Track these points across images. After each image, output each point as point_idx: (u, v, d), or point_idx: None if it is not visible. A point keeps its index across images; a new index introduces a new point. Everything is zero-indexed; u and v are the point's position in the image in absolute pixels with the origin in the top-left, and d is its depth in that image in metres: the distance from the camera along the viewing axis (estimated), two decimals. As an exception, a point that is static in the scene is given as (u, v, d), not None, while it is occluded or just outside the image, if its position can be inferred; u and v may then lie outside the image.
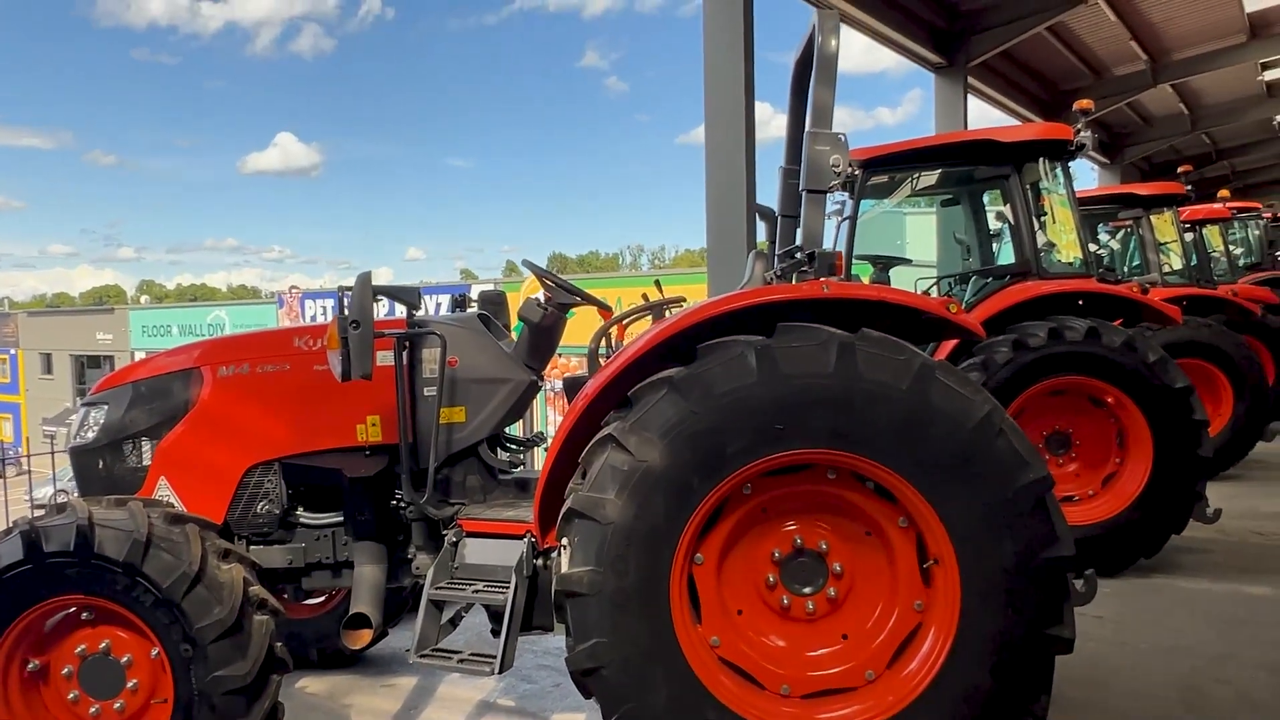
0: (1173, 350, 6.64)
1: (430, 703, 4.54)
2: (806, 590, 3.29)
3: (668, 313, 3.91)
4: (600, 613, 3.08)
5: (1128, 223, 10.75)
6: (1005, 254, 7.26)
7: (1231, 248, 14.08)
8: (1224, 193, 13.63)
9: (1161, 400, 5.97)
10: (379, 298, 3.59)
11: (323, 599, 5.02)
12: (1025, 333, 6.13)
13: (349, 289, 3.42)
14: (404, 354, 3.88)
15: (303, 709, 4.49)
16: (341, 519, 4.08)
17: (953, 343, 6.51)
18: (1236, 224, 14.79)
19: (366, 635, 3.80)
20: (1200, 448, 5.97)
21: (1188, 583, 6.06)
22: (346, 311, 3.41)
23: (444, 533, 3.86)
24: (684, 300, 3.94)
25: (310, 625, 4.97)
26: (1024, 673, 3.03)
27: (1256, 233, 15.14)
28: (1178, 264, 11.08)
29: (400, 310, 3.98)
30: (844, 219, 7.05)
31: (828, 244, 7.46)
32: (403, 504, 3.98)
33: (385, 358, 3.94)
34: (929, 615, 3.18)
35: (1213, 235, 12.89)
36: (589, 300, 4.12)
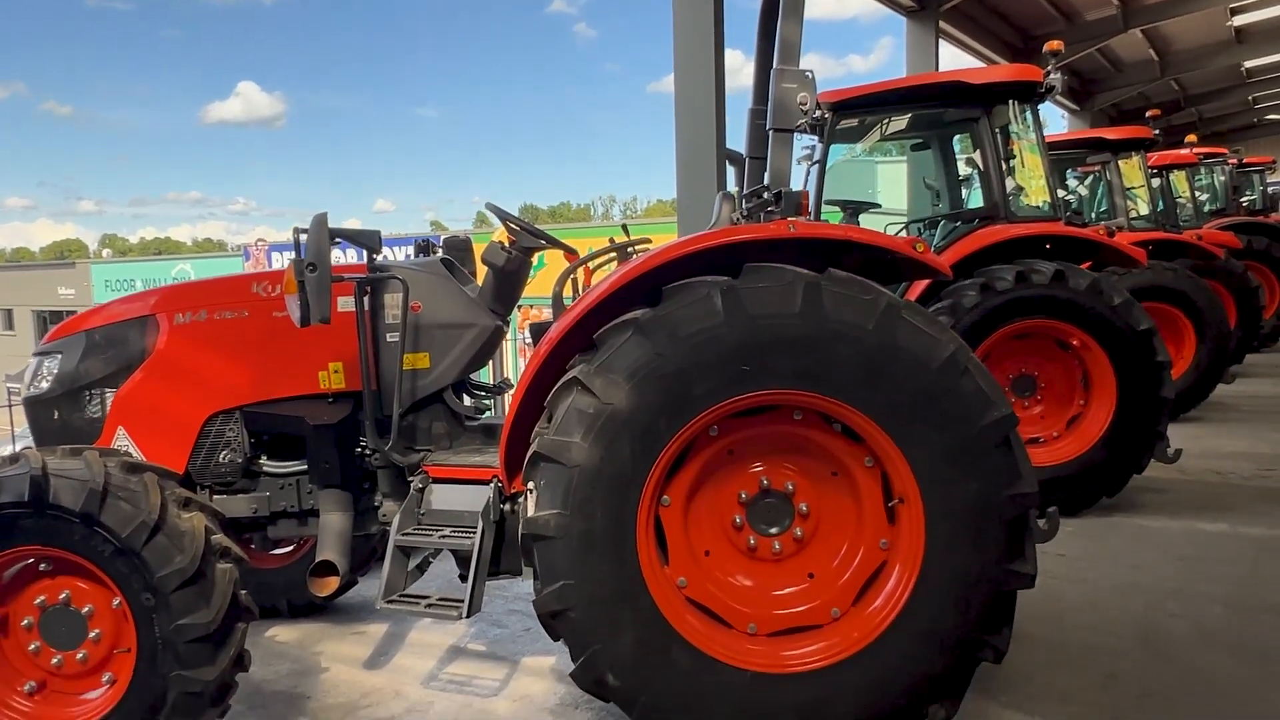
0: (1137, 294, 6.70)
1: (400, 649, 4.55)
2: (773, 530, 3.31)
3: (633, 255, 3.86)
4: (567, 555, 3.08)
5: (1096, 167, 10.78)
6: (974, 199, 7.25)
7: (1197, 193, 14.19)
8: (1191, 138, 13.70)
9: (1125, 342, 6.04)
10: (337, 241, 3.50)
11: (291, 548, 4.99)
12: (992, 276, 6.15)
13: (305, 231, 3.33)
14: (365, 299, 3.81)
15: (272, 657, 4.49)
16: (306, 467, 4.03)
17: (921, 286, 6.53)
18: (1203, 169, 14.90)
19: (333, 582, 3.78)
20: (1162, 389, 6.05)
21: (1147, 521, 6.18)
22: (302, 254, 3.32)
23: (410, 479, 3.82)
24: (649, 243, 3.89)
25: (279, 575, 4.94)
26: (986, 608, 3.07)
27: (1222, 178, 15.26)
28: (1144, 209, 11.16)
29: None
30: (813, 163, 6.98)
31: (797, 188, 7.43)
32: (367, 451, 3.94)
33: (346, 304, 3.87)
34: (894, 553, 3.21)
35: (1179, 181, 12.98)
36: (554, 244, 4.05)
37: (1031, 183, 6.81)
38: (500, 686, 4.06)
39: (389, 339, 3.88)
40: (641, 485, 3.08)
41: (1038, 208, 6.87)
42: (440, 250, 4.56)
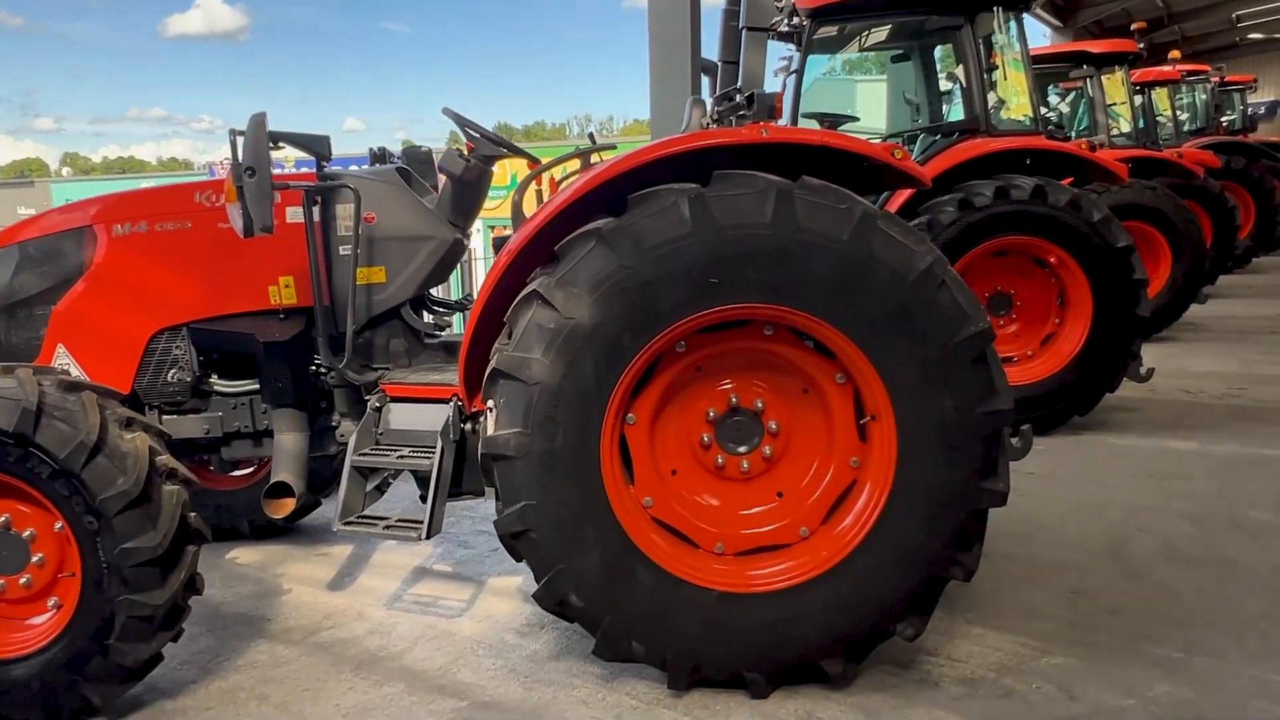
0: (1116, 212, 6.57)
1: (364, 570, 4.48)
2: (742, 449, 3.22)
3: (598, 163, 3.66)
4: (528, 475, 2.97)
5: (1078, 83, 10.55)
6: (955, 113, 7.04)
7: (1178, 112, 14.01)
8: (1174, 54, 13.45)
9: (1103, 259, 5.95)
10: (280, 145, 3.29)
11: (251, 469, 4.86)
12: (972, 192, 6.00)
13: (242, 133, 3.11)
14: (314, 209, 3.61)
15: (233, 579, 4.40)
16: (258, 386, 3.87)
17: (900, 202, 6.38)
18: (1184, 88, 14.69)
19: (289, 504, 3.67)
20: (1138, 307, 5.99)
21: (1117, 439, 6.19)
22: (240, 158, 3.10)
23: (367, 398, 3.69)
24: (615, 149, 3.69)
25: (239, 496, 4.83)
26: (957, 526, 3.01)
27: (1203, 97, 15.08)
28: (1126, 127, 10.99)
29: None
30: (790, 73, 6.73)
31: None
32: (322, 370, 3.79)
33: (297, 214, 3.67)
34: (864, 472, 3.14)
35: (1160, 98, 12.80)
36: (515, 151, 3.85)
37: (1014, 96, 6.62)
38: (465, 607, 4.01)
39: (341, 252, 3.70)
40: (605, 403, 2.97)
41: (1019, 122, 6.69)
42: (398, 160, 4.34)
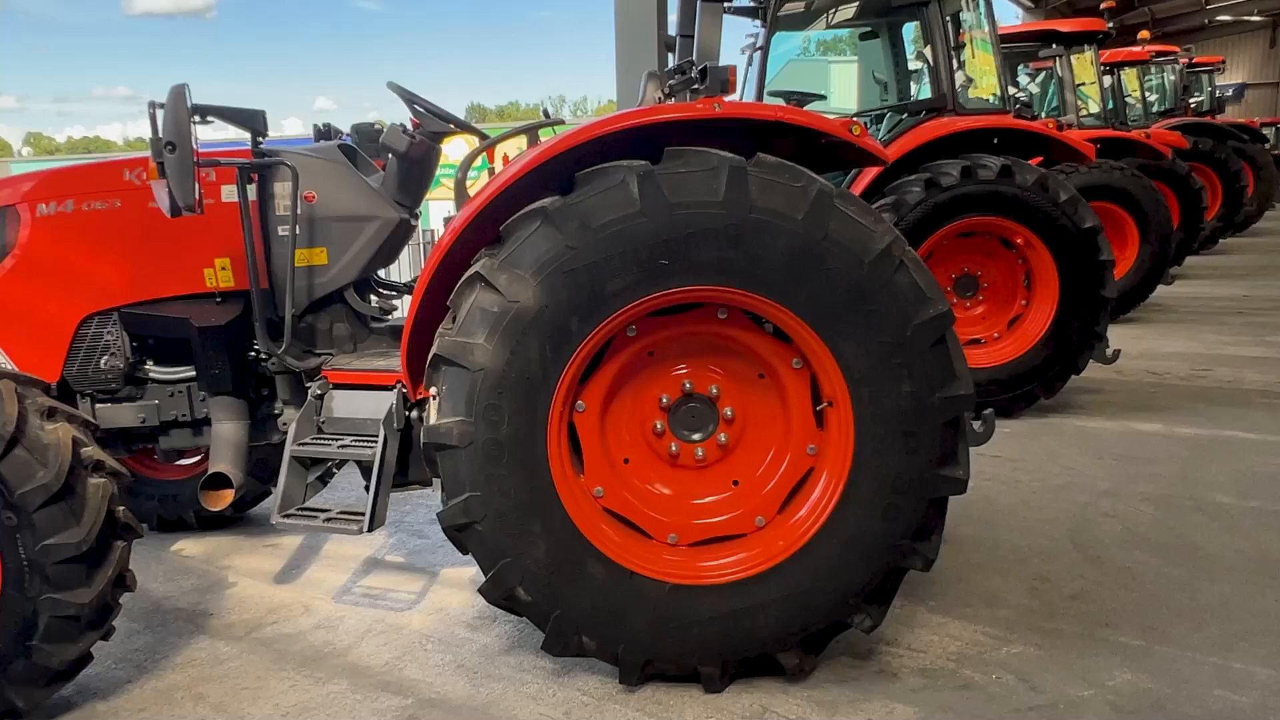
0: (1084, 193, 6.55)
1: (314, 561, 4.34)
2: (696, 437, 3.12)
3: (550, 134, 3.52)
4: (472, 465, 2.85)
5: (1048, 63, 10.49)
6: (924, 93, 6.94)
7: (1147, 93, 14.02)
8: (1144, 34, 13.43)
9: (1070, 241, 5.89)
10: (208, 119, 3.12)
11: (197, 459, 4.70)
12: (938, 171, 5.92)
13: (162, 105, 2.93)
14: (250, 188, 3.44)
15: (176, 572, 4.25)
16: (196, 373, 3.71)
17: (865, 183, 6.28)
18: (1153, 69, 14.70)
19: (227, 495, 3.52)
20: (1104, 289, 5.95)
21: (1083, 421, 6.15)
22: (160, 133, 2.92)
23: (308, 385, 3.54)
24: (563, 124, 3.55)
25: (185, 486, 4.66)
26: (916, 515, 2.92)
27: (1172, 78, 15.11)
28: (1094, 107, 10.96)
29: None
30: (755, 49, 6.60)
31: (742, 82, 7.05)
32: (262, 356, 3.63)
33: (233, 194, 3.50)
34: (821, 459, 3.05)
35: (1129, 78, 12.79)
36: (463, 127, 3.70)
37: (981, 76, 6.53)
38: (415, 600, 3.89)
39: (280, 232, 3.54)
40: (552, 390, 2.85)
41: (986, 101, 6.61)
42: (348, 137, 4.18)
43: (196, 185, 2.92)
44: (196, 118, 3.04)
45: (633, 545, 3.06)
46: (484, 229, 3.00)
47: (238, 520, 4.83)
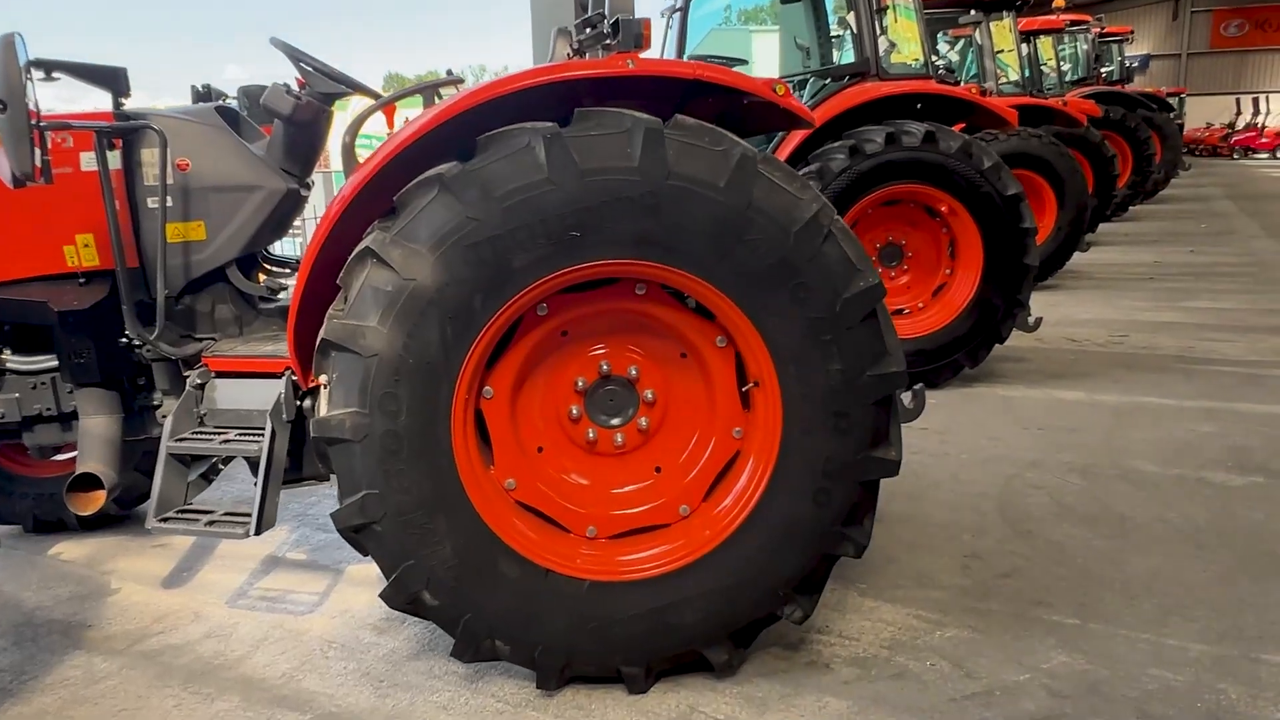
0: (1003, 160, 6.47)
1: (208, 562, 4.02)
2: (615, 421, 2.91)
3: (446, 95, 3.23)
4: (368, 461, 2.59)
5: (968, 30, 10.47)
6: (847, 58, 6.79)
7: (1060, 62, 14.19)
8: (1059, 2, 13.56)
9: (993, 208, 5.82)
10: (53, 75, 2.75)
11: (74, 454, 4.29)
12: (862, 138, 5.78)
13: (-8, 59, 2.55)
14: (112, 155, 3.08)
15: (51, 580, 3.88)
16: (58, 363, 3.34)
17: (789, 148, 6.11)
18: (1066, 37, 14.88)
19: (98, 498, 3.18)
20: (1027, 256, 5.90)
21: (1006, 390, 6.14)
22: None
23: (186, 374, 3.21)
24: (464, 83, 3.27)
25: (62, 484, 4.24)
26: (847, 499, 2.77)
27: (1085, 47, 15.33)
28: (1014, 75, 11.01)
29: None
30: (675, 11, 6.35)
31: (661, 47, 6.79)
32: (135, 342, 3.28)
33: (92, 162, 3.13)
34: (748, 443, 2.87)
35: (1045, 47, 12.90)
36: (355, 87, 3.38)
37: (904, 41, 6.39)
38: (318, 601, 3.61)
39: (149, 204, 3.18)
40: (455, 376, 2.59)
41: (909, 66, 6.49)
42: (231, 100, 3.81)
43: (37, 151, 2.55)
44: (38, 73, 2.66)
45: (548, 541, 2.84)
46: (376, 199, 2.71)
47: (123, 519, 4.45)
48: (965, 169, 5.75)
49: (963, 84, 10.62)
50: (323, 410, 2.62)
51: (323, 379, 2.65)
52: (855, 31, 6.15)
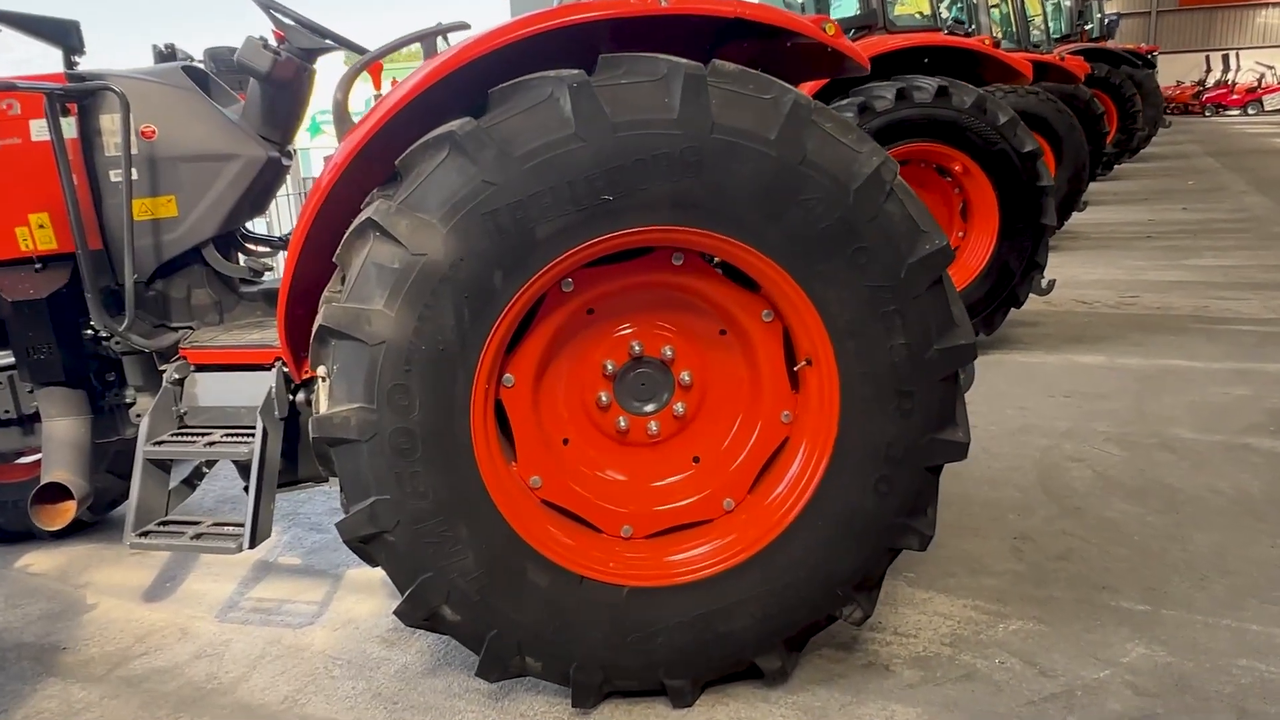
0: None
1: (193, 571, 3.68)
2: (648, 408, 2.62)
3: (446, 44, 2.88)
4: (377, 462, 2.28)
5: (956, -14, 10.14)
6: (847, 6, 6.46)
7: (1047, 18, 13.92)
8: (1045, -45, 13.24)
9: (1009, 166, 5.54)
10: (-6, 26, 2.38)
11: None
12: (871, 95, 5.46)
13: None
14: (66, 122, 2.71)
15: (21, 596, 3.54)
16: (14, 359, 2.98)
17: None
18: (1052, -8, 14.61)
19: (67, 510, 2.83)
20: (1044, 216, 5.63)
21: (1025, 357, 5.89)
22: None
23: (162, 368, 2.87)
24: (468, 27, 2.92)
25: (29, 490, 3.89)
26: (912, 487, 2.49)
27: (1068, 3, 15.05)
28: (998, 32, 10.71)
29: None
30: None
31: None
32: (102, 334, 2.92)
33: (44, 130, 2.75)
34: (799, 427, 2.58)
35: (1031, 2, 12.60)
36: (340, 42, 3.02)
37: (910, -12, 6.08)
38: (318, 612, 3.30)
39: (112, 177, 2.82)
40: (474, 363, 2.28)
41: (915, 18, 6.17)
42: (199, 62, 3.43)
43: None
44: None
45: (580, 544, 2.54)
46: (375, 165, 2.38)
47: (97, 524, 4.10)
48: (980, 125, 5.46)
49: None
50: (322, 407, 2.30)
51: (321, 371, 2.33)
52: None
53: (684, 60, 2.24)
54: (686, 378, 2.60)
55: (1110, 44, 17.57)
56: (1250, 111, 33.59)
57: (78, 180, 2.76)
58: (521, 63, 2.27)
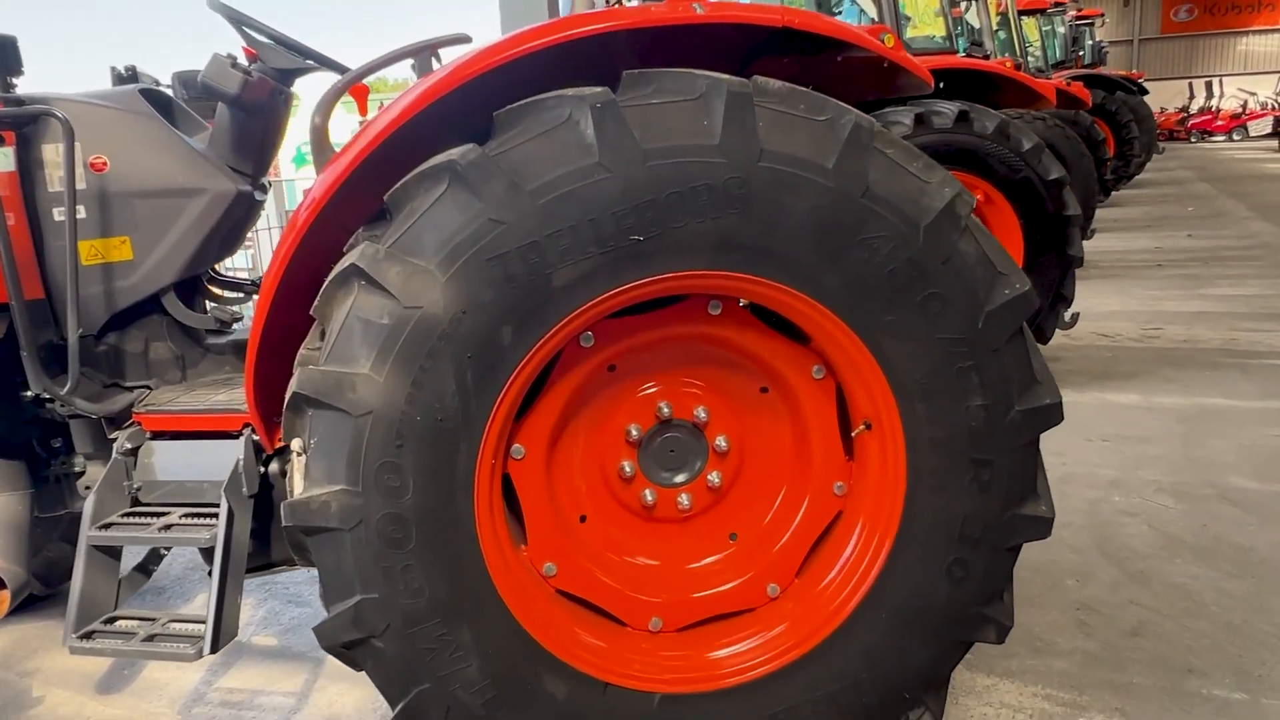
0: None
1: (155, 653, 3.26)
2: (679, 478, 2.26)
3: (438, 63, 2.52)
4: (363, 555, 1.90)
5: (957, 11, 9.93)
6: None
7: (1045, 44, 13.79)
8: (1041, -19, 13.13)
9: (1033, 194, 5.25)
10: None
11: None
12: (887, 120, 5.15)
13: None
14: None
15: (-43, 687, 3.11)
16: (-57, 425, 2.59)
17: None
18: (1045, 18, 14.49)
19: (1, 602, 2.43)
20: (1071, 246, 5.34)
21: (1053, 396, 5.55)
22: None
23: (112, 436, 2.48)
24: (468, 40, 2.57)
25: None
26: (989, 570, 2.13)
27: (1062, 29, 14.95)
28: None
29: None
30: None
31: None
32: (44, 395, 2.53)
33: (-18, 161, 2.39)
34: (854, 501, 2.22)
35: (1029, 28, 12.46)
36: (320, 61, 2.67)
37: (923, 9, 5.80)
38: (295, 705, 2.90)
39: (55, 216, 2.45)
40: (478, 435, 1.91)
41: (931, 39, 5.89)
42: (165, 88, 3.07)
43: None
44: None
45: (603, 642, 2.16)
46: (359, 199, 2.02)
47: (49, 599, 3.67)
48: (1002, 152, 5.17)
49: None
50: (298, 488, 1.93)
51: (296, 445, 1.96)
52: (876, 4, 5.52)
53: (725, 76, 1.90)
54: (722, 443, 2.24)
55: (1102, 70, 17.52)
56: (1235, 137, 33.74)
57: (13, 219, 2.39)
58: (522, 85, 1.93)
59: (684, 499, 2.25)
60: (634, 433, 2.20)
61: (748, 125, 1.87)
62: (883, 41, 2.17)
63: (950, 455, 2.06)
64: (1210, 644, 2.86)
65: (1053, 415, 2.11)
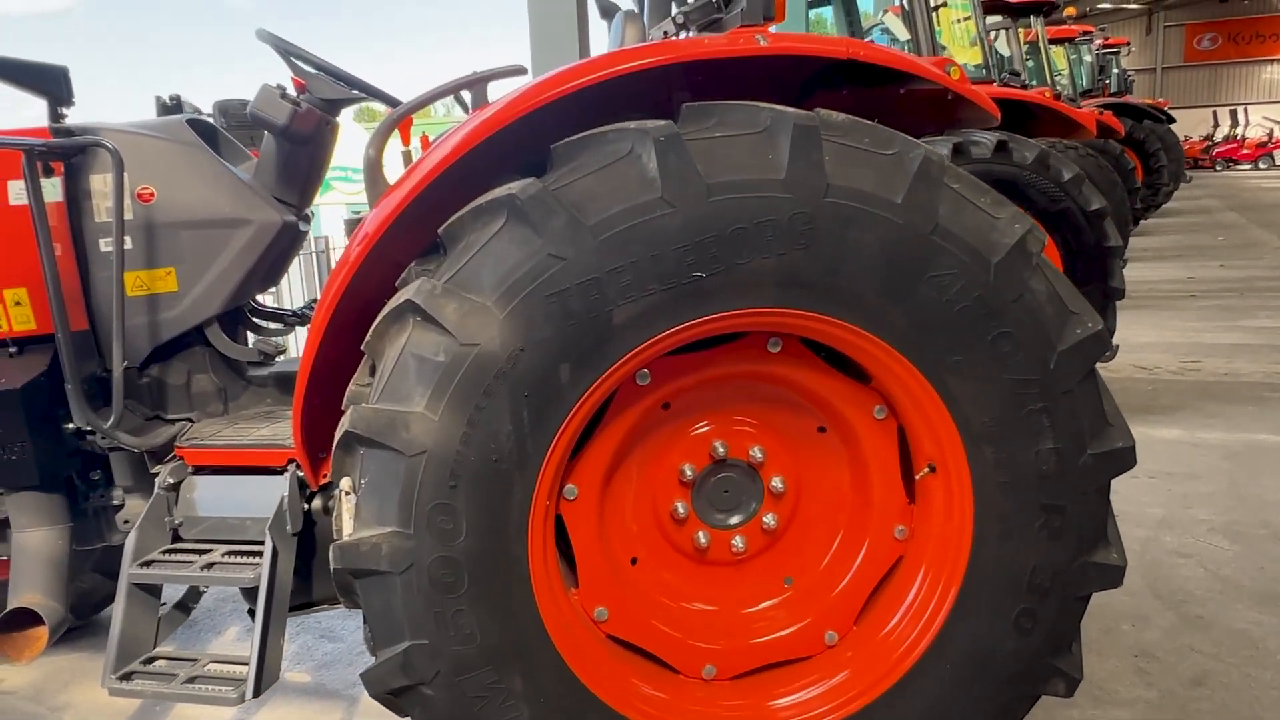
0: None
1: (187, 689, 3.20)
2: (733, 520, 2.18)
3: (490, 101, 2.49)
4: (413, 599, 1.84)
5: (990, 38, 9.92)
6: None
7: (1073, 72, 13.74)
8: (1070, 10, 13.10)
9: (1074, 225, 5.17)
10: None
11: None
12: (925, 151, 5.10)
13: None
14: (50, 182, 2.32)
15: (-12, 721, 3.07)
16: (-17, 458, 2.55)
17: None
18: (1073, 46, 14.46)
19: (38, 639, 2.39)
20: (1112, 278, 5.25)
21: (1093, 430, 5.44)
22: None
23: (154, 470, 2.44)
24: (524, 72, 2.54)
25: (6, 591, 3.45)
26: (1060, 621, 2.05)
27: (1089, 58, 14.90)
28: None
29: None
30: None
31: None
32: (86, 428, 2.50)
33: (23, 193, 2.36)
34: (917, 546, 2.15)
35: (1058, 56, 12.42)
36: (370, 93, 2.65)
37: (960, 38, 5.76)
38: (331, 745, 2.82)
39: (102, 247, 2.42)
40: (534, 475, 1.85)
41: (966, 68, 5.84)
42: (206, 116, 3.06)
43: None
44: None
45: (656, 690, 2.09)
46: (412, 233, 1.98)
47: (82, 629, 3.63)
48: (1042, 182, 5.10)
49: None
50: (347, 529, 1.87)
51: (345, 484, 1.90)
52: (910, 21, 5.47)
53: (790, 109, 1.85)
54: (778, 484, 2.17)
55: (1129, 98, 17.45)
56: (1261, 166, 33.52)
57: (60, 250, 2.37)
58: (561, 116, 1.89)
59: (738, 541, 2.18)
60: (688, 472, 2.14)
61: (814, 160, 1.82)
62: (948, 74, 2.11)
63: (1019, 500, 1.99)
64: (1279, 695, 2.75)
65: (1126, 459, 2.03)
